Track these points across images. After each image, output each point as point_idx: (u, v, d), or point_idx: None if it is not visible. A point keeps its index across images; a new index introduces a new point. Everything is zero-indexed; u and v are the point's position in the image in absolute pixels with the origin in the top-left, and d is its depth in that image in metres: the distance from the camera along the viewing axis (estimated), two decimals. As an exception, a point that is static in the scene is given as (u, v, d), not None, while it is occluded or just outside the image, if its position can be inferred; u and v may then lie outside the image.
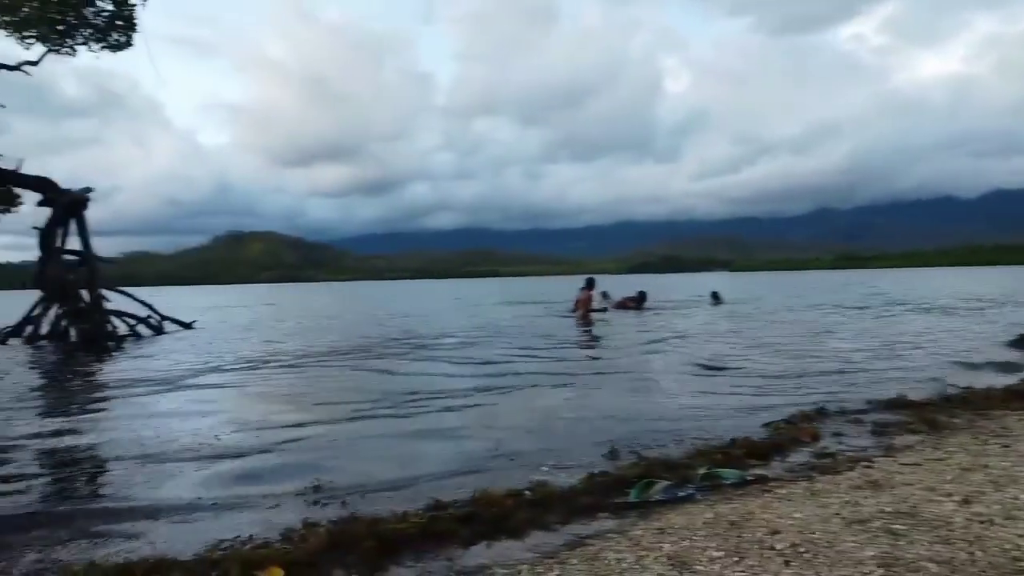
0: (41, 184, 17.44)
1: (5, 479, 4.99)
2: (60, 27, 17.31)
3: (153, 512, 4.20)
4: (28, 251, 17.58)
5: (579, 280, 23.50)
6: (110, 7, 17.64)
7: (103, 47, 17.86)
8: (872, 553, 3.03)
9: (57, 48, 17.79)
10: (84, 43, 17.76)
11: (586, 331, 16.99)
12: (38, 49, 17.85)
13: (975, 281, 48.95)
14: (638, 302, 23.66)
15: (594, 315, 20.57)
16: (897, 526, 3.35)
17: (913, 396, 7.00)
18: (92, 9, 17.42)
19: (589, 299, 21.38)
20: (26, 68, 18.06)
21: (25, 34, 17.49)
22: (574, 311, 21.49)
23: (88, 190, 17.85)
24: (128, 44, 18.13)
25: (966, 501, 3.68)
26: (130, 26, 17.93)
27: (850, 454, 5.00)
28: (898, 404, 6.67)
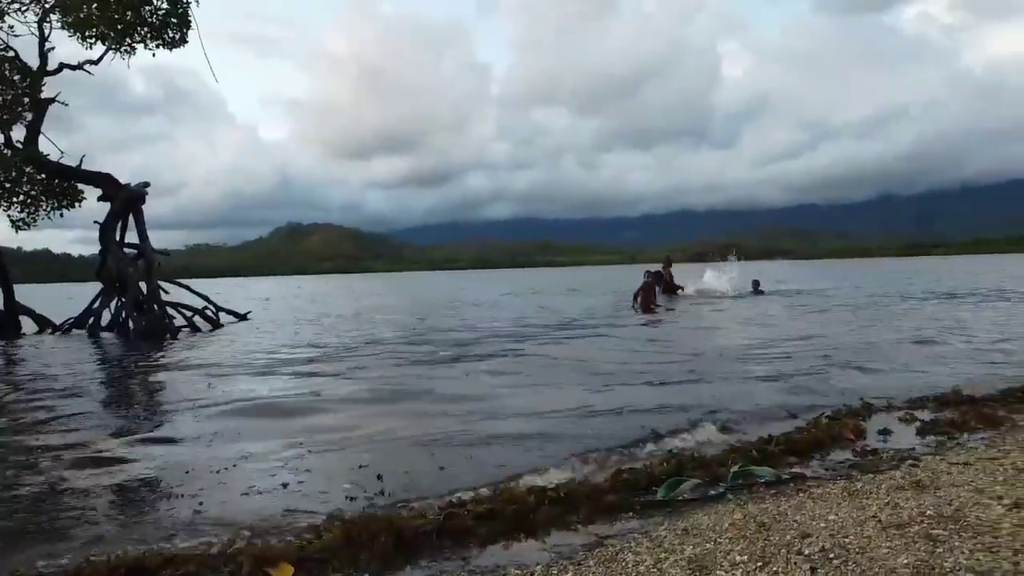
0: (101, 180, 17.95)
1: (35, 465, 5.09)
2: (119, 26, 17.74)
3: (177, 499, 4.26)
4: (94, 245, 18.10)
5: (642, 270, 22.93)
6: (165, 5, 18.03)
7: (159, 45, 18.25)
8: (906, 561, 2.84)
9: (116, 47, 18.25)
10: (141, 41, 18.17)
11: (642, 322, 16.70)
12: (99, 48, 18.40)
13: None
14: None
15: (655, 307, 19.93)
16: (938, 531, 3.15)
17: (970, 391, 6.64)
18: (148, 7, 17.81)
19: (652, 289, 20.72)
20: (88, 68, 18.63)
21: (86, 33, 18.01)
22: (636, 302, 20.56)
23: (145, 185, 18.28)
24: (183, 41, 18.47)
25: (1016, 505, 3.42)
26: (184, 23, 18.29)
27: (895, 452, 4.76)
28: (953, 400, 6.31)
